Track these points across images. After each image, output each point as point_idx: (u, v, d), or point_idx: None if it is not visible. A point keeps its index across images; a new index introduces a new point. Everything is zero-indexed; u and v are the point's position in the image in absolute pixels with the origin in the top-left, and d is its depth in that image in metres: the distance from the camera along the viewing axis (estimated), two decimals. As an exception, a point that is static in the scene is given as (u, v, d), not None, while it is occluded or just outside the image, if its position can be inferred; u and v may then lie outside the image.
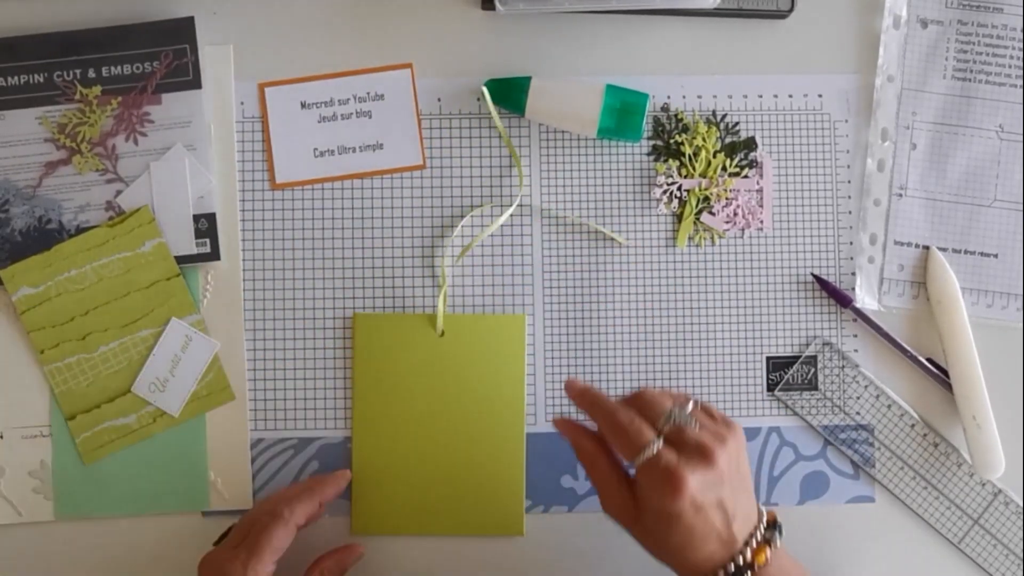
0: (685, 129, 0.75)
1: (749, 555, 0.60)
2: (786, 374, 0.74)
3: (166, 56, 0.73)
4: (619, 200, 0.75)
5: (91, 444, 0.71)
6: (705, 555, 0.59)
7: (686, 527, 0.58)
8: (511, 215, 0.74)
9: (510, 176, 0.75)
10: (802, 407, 0.74)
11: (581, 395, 0.62)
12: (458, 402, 0.72)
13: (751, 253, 0.75)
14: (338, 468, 0.73)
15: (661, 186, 0.75)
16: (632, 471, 0.60)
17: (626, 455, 0.59)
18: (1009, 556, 0.73)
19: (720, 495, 0.59)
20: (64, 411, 0.71)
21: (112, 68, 0.73)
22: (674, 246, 0.75)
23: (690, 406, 0.60)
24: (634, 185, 0.75)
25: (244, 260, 0.74)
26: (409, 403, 0.72)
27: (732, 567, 0.59)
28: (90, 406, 0.71)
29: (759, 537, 0.60)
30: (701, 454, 0.58)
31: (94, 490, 0.71)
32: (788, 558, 0.62)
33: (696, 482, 0.57)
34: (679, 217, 0.75)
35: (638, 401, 0.61)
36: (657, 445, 0.58)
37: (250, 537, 0.64)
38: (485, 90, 0.73)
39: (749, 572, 0.59)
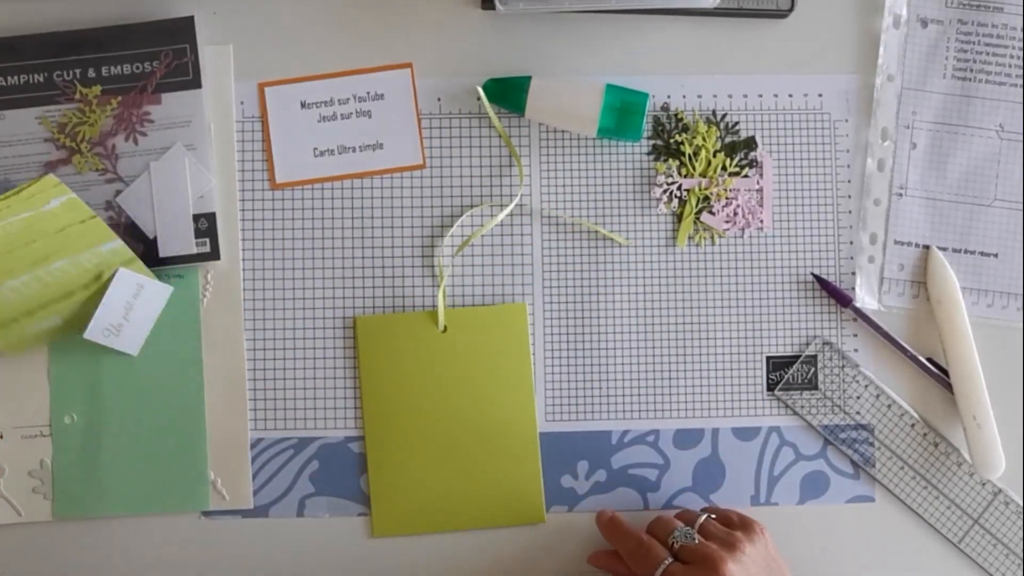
0: (685, 129, 0.75)
1: None
2: (786, 374, 0.74)
3: (166, 56, 0.73)
4: (619, 200, 0.75)
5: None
6: None
7: None
8: (511, 214, 0.74)
9: (510, 175, 0.75)
10: (802, 407, 0.74)
11: (607, 525, 0.68)
12: (467, 395, 0.73)
13: (751, 253, 0.75)
14: (340, 468, 0.73)
15: (661, 186, 0.75)
16: None
17: (643, 573, 0.64)
18: (1009, 556, 0.73)
19: None
20: None
21: (112, 68, 0.73)
22: (674, 246, 0.75)
23: (700, 520, 0.66)
24: (634, 185, 0.75)
25: (244, 260, 0.74)
26: (419, 401, 0.73)
27: None
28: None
29: None
30: (706, 566, 0.62)
31: (94, 490, 0.71)
32: None
33: (732, 568, 0.62)
34: (679, 217, 0.75)
35: (653, 525, 0.67)
36: (666, 564, 0.63)
37: None
38: (481, 91, 0.73)
39: None
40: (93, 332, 0.70)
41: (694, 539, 0.64)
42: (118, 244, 0.70)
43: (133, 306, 0.71)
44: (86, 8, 0.73)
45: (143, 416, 0.72)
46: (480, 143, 0.75)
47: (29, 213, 0.68)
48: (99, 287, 0.70)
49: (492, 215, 0.74)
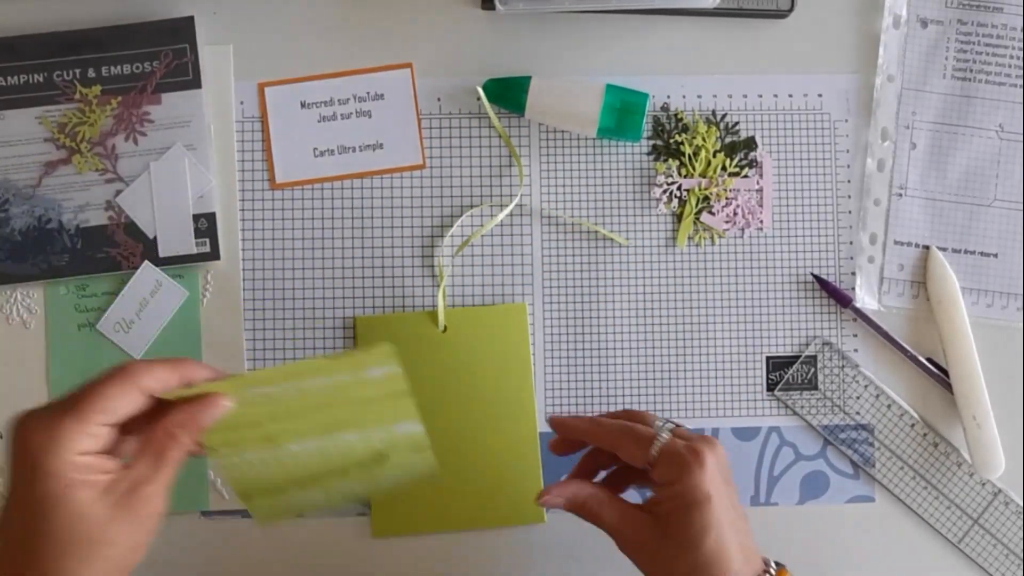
0: (685, 129, 0.75)
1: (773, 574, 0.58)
2: (786, 374, 0.74)
3: (166, 56, 0.73)
4: (619, 200, 0.75)
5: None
6: (732, 574, 0.56)
7: (715, 518, 0.56)
8: (511, 214, 0.74)
9: (510, 176, 0.75)
10: (802, 407, 0.74)
11: (565, 425, 0.62)
12: (467, 395, 0.72)
13: (751, 253, 0.75)
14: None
15: (661, 186, 0.75)
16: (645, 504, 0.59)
17: (638, 451, 0.59)
18: (1009, 556, 0.73)
19: (729, 490, 0.59)
20: (238, 493, 0.59)
21: (112, 68, 0.73)
22: (674, 246, 0.75)
23: (667, 423, 0.61)
24: (634, 185, 0.75)
25: (244, 260, 0.74)
26: (419, 401, 0.72)
27: None
28: (272, 488, 0.59)
29: (772, 564, 0.59)
30: (691, 450, 0.58)
31: (94, 490, 0.71)
32: None
33: (711, 461, 0.57)
34: (679, 217, 0.75)
35: (626, 416, 0.62)
36: (666, 433, 0.59)
37: (78, 390, 0.50)
38: (480, 91, 0.73)
39: None
40: (105, 325, 0.71)
41: (675, 427, 0.60)
42: (417, 429, 0.61)
43: (148, 304, 0.71)
44: (86, 8, 0.73)
45: (143, 416, 0.72)
46: (480, 143, 0.75)
47: (347, 377, 0.59)
48: (376, 472, 0.61)
49: (492, 215, 0.74)
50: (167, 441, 0.52)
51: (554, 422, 0.63)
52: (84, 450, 0.49)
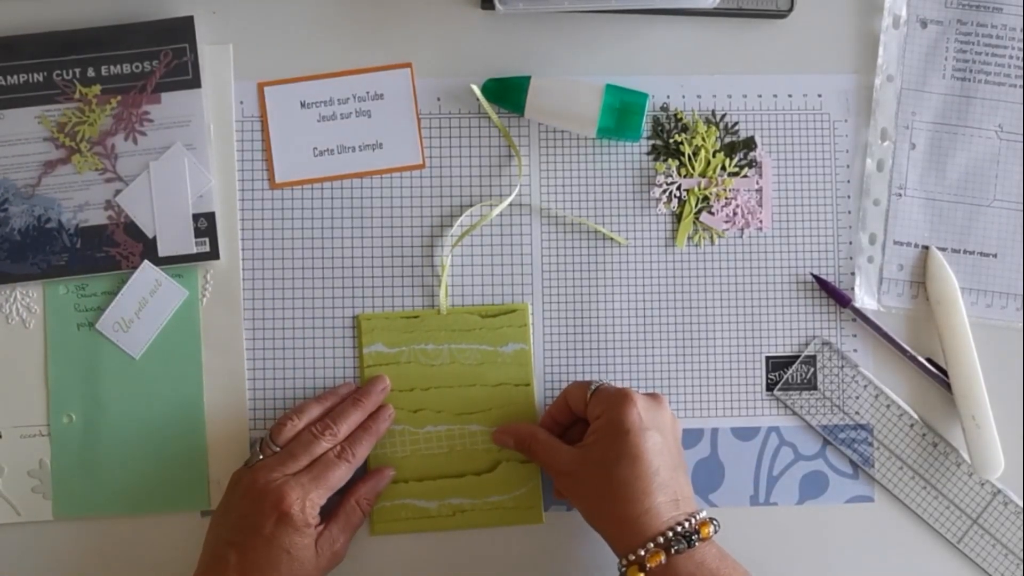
0: (684, 129, 0.75)
1: (695, 522, 0.61)
2: (785, 374, 0.75)
3: (165, 55, 0.73)
4: (618, 200, 0.75)
5: (385, 516, 0.72)
6: (649, 505, 0.61)
7: (632, 449, 0.62)
8: (511, 215, 0.74)
9: (509, 175, 0.75)
10: (801, 407, 0.74)
11: (516, 429, 0.70)
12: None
13: (750, 253, 0.75)
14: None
15: (660, 186, 0.75)
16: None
17: (580, 391, 0.67)
18: (1008, 556, 0.73)
19: (662, 437, 0.64)
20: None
21: (111, 67, 0.73)
22: (673, 246, 0.75)
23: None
24: (633, 185, 0.75)
25: (243, 259, 0.74)
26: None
27: (680, 528, 0.61)
28: (396, 479, 0.72)
29: (702, 514, 0.62)
30: (622, 393, 0.65)
31: (93, 490, 0.71)
32: (726, 553, 0.63)
33: (640, 402, 0.65)
34: (678, 217, 0.75)
35: (564, 395, 0.70)
36: (595, 386, 0.67)
37: (315, 469, 0.66)
38: (475, 88, 0.73)
39: (695, 539, 0.60)
40: (104, 324, 0.71)
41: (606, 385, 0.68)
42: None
43: (148, 303, 0.71)
44: (85, 8, 0.73)
45: (143, 416, 0.72)
46: (480, 143, 0.75)
47: (488, 348, 0.73)
48: (491, 480, 0.72)
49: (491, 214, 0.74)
50: (355, 511, 0.69)
51: (502, 433, 0.71)
52: (318, 512, 0.66)
